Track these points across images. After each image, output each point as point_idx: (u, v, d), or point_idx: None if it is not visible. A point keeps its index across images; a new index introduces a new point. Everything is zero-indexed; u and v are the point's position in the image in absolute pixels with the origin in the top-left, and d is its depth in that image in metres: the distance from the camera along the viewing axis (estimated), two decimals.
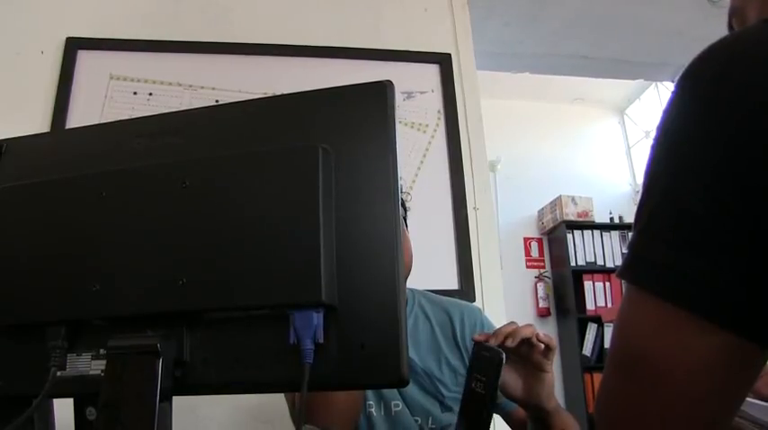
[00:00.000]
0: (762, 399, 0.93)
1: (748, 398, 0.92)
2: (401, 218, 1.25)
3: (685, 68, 0.53)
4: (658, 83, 4.92)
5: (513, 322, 1.13)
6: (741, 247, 0.46)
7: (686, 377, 0.48)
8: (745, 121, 0.47)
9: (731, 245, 0.47)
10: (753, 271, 0.46)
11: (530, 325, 1.10)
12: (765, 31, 0.50)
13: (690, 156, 0.50)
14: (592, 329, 4.58)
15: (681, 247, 0.48)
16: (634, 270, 0.52)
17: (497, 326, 1.43)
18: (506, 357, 1.04)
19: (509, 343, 1.06)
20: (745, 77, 0.48)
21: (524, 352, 1.09)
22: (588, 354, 4.51)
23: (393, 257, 0.66)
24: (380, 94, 0.71)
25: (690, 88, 0.53)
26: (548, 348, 1.09)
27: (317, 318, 0.63)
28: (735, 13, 0.72)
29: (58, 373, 0.70)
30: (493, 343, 1.06)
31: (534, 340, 1.08)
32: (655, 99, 5.18)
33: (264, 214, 0.67)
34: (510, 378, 1.11)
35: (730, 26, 0.74)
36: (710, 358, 0.47)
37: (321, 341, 0.64)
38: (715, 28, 0.77)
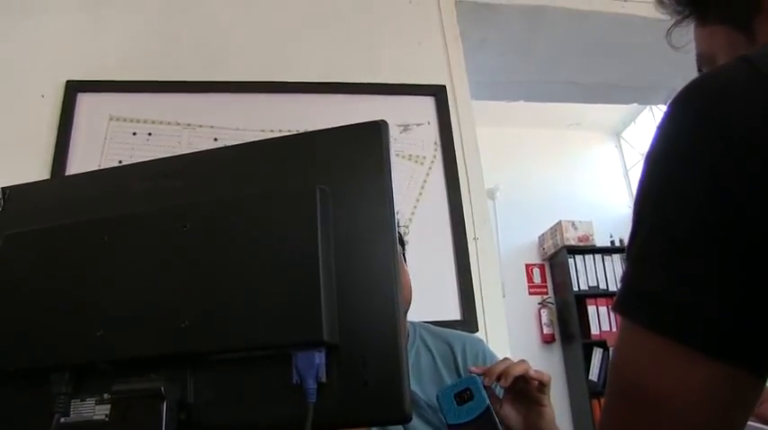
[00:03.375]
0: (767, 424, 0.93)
1: (754, 423, 0.92)
2: (399, 254, 1.26)
3: (669, 103, 0.55)
4: (653, 106, 4.96)
5: (506, 358, 1.14)
6: (727, 277, 0.47)
7: (683, 407, 0.48)
8: (725, 154, 0.48)
9: (717, 274, 0.47)
10: (740, 300, 0.47)
11: (522, 361, 1.11)
12: (741, 67, 0.52)
13: (675, 187, 0.51)
14: (597, 354, 4.55)
15: (669, 278, 0.49)
16: (625, 302, 0.53)
17: (499, 357, 1.44)
18: (503, 394, 1.07)
19: (502, 382, 1.07)
20: (723, 113, 0.50)
21: (521, 388, 1.10)
22: (595, 379, 4.48)
23: (392, 294, 0.66)
24: (375, 133, 0.72)
25: (674, 122, 0.54)
26: (542, 384, 1.10)
27: (319, 357, 0.64)
28: (704, 59, 0.74)
29: (62, 420, 0.70)
30: (486, 382, 1.08)
31: (527, 376, 1.09)
32: (650, 122, 5.21)
33: (264, 256, 0.68)
34: (511, 413, 1.12)
35: (699, 70, 0.76)
36: (705, 388, 0.48)
37: (323, 380, 0.64)
38: None
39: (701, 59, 0.75)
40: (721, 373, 0.47)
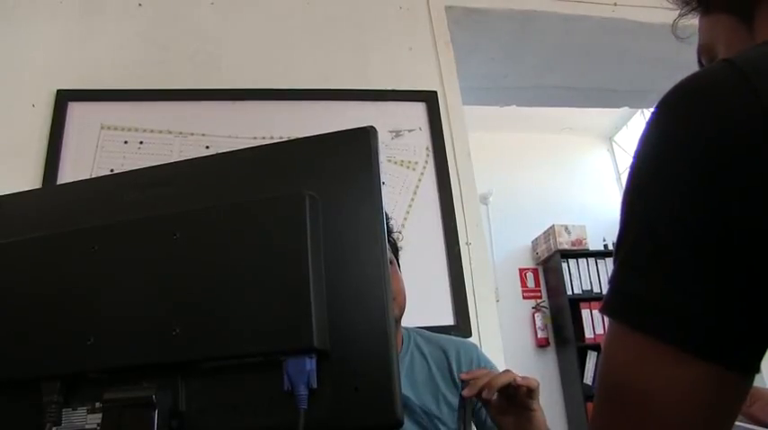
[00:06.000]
0: (759, 425, 0.93)
1: (744, 424, 0.93)
2: (392, 259, 1.27)
3: (655, 107, 0.55)
4: (644, 109, 4.98)
5: (489, 371, 1.15)
6: (710, 277, 0.48)
7: (671, 408, 0.49)
8: (708, 157, 0.49)
9: (701, 275, 0.48)
10: (724, 300, 0.47)
11: (507, 371, 1.12)
12: (725, 70, 0.52)
13: (659, 189, 0.52)
14: (592, 357, 4.56)
15: (655, 279, 0.50)
16: (613, 303, 0.54)
17: (494, 362, 1.44)
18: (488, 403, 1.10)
19: (485, 395, 1.09)
20: (707, 116, 0.50)
21: (510, 394, 1.11)
22: (590, 383, 4.49)
23: (382, 300, 0.67)
24: (364, 139, 0.73)
25: (658, 125, 0.55)
26: (530, 389, 1.11)
27: (310, 363, 0.64)
28: (704, 50, 0.75)
29: (54, 429, 0.70)
30: (466, 394, 1.09)
31: (514, 384, 1.10)
32: (642, 125, 5.21)
33: (254, 263, 0.68)
34: (502, 418, 1.14)
35: (700, 62, 0.77)
36: (691, 388, 0.48)
37: (315, 386, 0.64)
38: (692, 55, 0.80)
39: (701, 50, 0.76)
40: (707, 373, 0.48)
